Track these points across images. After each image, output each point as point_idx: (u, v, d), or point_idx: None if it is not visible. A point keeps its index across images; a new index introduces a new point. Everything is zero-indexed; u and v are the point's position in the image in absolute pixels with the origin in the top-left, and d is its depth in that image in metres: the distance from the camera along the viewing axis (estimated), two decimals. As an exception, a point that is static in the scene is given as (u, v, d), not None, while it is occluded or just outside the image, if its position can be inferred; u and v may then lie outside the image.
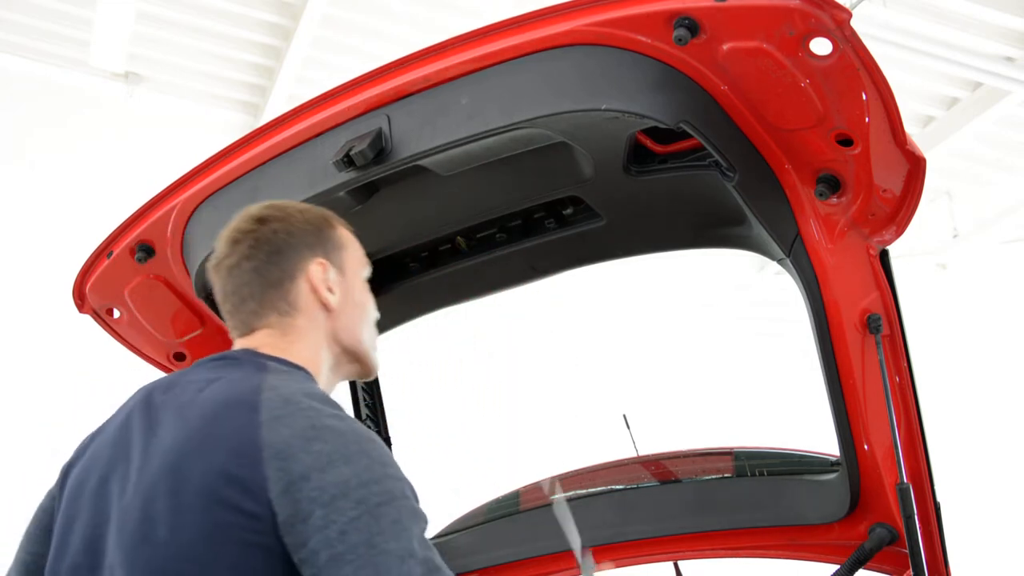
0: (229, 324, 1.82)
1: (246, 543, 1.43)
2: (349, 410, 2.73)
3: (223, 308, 1.82)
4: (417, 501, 1.50)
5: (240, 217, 1.84)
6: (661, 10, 1.94)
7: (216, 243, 1.85)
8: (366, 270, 1.92)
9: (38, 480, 2.27)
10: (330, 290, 1.79)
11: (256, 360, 1.68)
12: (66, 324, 3.53)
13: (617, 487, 3.05)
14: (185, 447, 1.53)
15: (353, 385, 2.78)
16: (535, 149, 2.21)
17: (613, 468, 3.11)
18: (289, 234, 1.79)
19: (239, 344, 1.78)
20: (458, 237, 2.66)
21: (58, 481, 1.77)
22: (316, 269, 1.78)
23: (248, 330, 1.78)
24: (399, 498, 1.45)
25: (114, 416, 1.75)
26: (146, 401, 1.68)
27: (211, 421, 1.54)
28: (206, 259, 2.46)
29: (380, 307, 2.80)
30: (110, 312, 2.79)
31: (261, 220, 1.81)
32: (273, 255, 1.77)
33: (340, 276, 1.82)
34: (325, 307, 1.78)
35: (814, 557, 2.76)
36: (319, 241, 1.82)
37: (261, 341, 1.75)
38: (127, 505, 1.56)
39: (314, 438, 1.46)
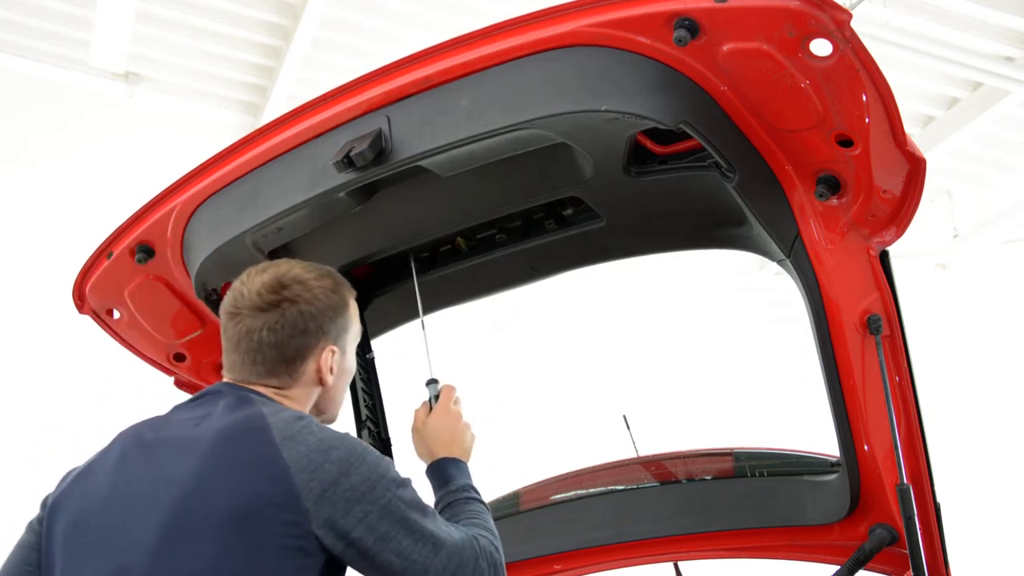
0: (228, 363, 1.93)
1: (284, 547, 1.67)
2: (349, 410, 2.73)
3: (228, 349, 1.93)
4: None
5: (264, 283, 1.93)
6: (661, 11, 1.94)
7: (235, 293, 1.93)
8: (357, 341, 2.05)
9: (38, 481, 2.27)
10: (331, 370, 1.94)
11: (239, 393, 1.86)
12: (66, 325, 3.53)
13: (617, 488, 3.05)
14: (202, 473, 1.71)
15: (353, 386, 2.78)
16: (535, 150, 2.21)
17: (613, 469, 3.11)
18: (313, 318, 1.92)
19: (226, 379, 1.93)
20: (458, 238, 2.66)
21: (41, 515, 1.86)
22: (327, 356, 1.94)
23: (245, 380, 1.91)
24: (400, 477, 1.78)
25: (103, 455, 1.85)
26: (138, 441, 1.83)
27: (226, 447, 1.74)
28: (206, 259, 2.47)
29: (380, 308, 2.83)
30: (110, 313, 2.79)
31: (288, 297, 1.91)
32: (295, 336, 1.91)
33: (342, 356, 1.98)
34: (322, 384, 1.95)
35: (814, 558, 2.76)
36: (335, 327, 1.96)
37: (246, 382, 1.91)
38: (145, 532, 1.69)
39: (328, 449, 1.72)
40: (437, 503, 2.02)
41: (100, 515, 1.76)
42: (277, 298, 1.91)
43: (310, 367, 1.92)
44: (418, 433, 2.17)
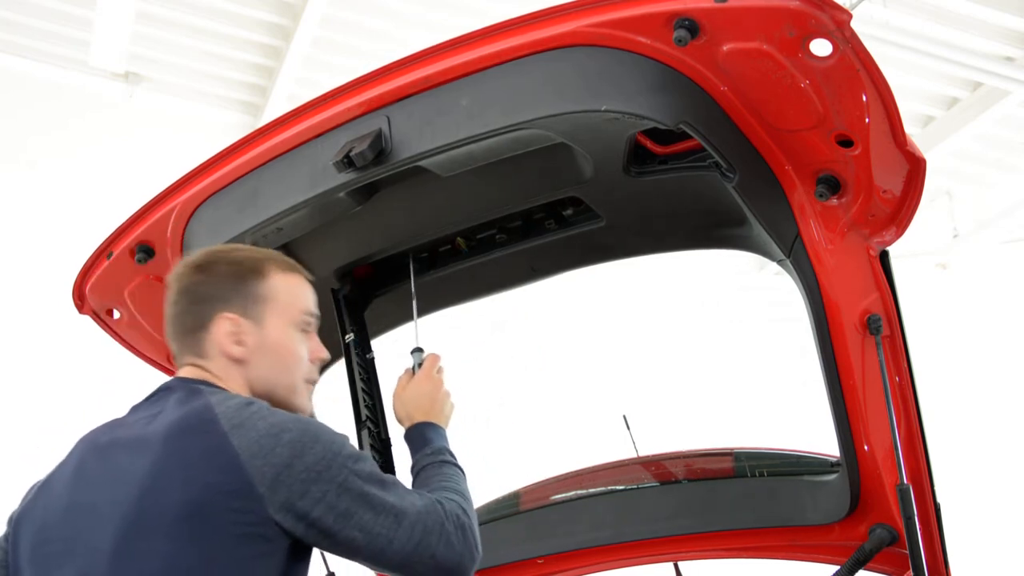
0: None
1: (240, 535, 1.66)
2: (350, 410, 2.73)
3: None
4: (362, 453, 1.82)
5: (181, 261, 1.99)
6: (661, 11, 1.94)
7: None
8: (301, 320, 1.97)
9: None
10: (239, 343, 1.89)
11: (189, 385, 1.85)
12: (66, 325, 3.53)
13: (617, 488, 3.05)
14: (155, 470, 1.71)
15: (353, 386, 2.78)
16: (535, 150, 2.21)
17: (613, 469, 3.11)
18: (207, 286, 1.91)
19: (177, 373, 1.95)
20: (458, 238, 2.66)
21: (7, 532, 1.86)
22: (223, 323, 1.89)
23: (179, 362, 1.94)
24: (356, 452, 1.77)
25: (63, 465, 1.86)
26: (94, 446, 1.83)
27: (175, 442, 1.72)
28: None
29: (380, 308, 2.83)
30: (110, 313, 2.79)
31: (194, 268, 1.94)
32: (191, 305, 1.92)
33: (256, 327, 1.91)
34: (231, 358, 1.89)
35: (814, 558, 2.76)
36: (236, 295, 1.91)
37: (190, 373, 1.91)
38: (105, 535, 1.69)
39: (279, 433, 1.71)
40: (413, 467, 2.03)
41: (61, 525, 1.76)
42: (181, 272, 1.94)
43: (211, 338, 1.89)
44: (399, 399, 2.18)
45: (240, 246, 2.04)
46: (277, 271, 1.96)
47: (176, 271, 1.96)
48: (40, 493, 1.85)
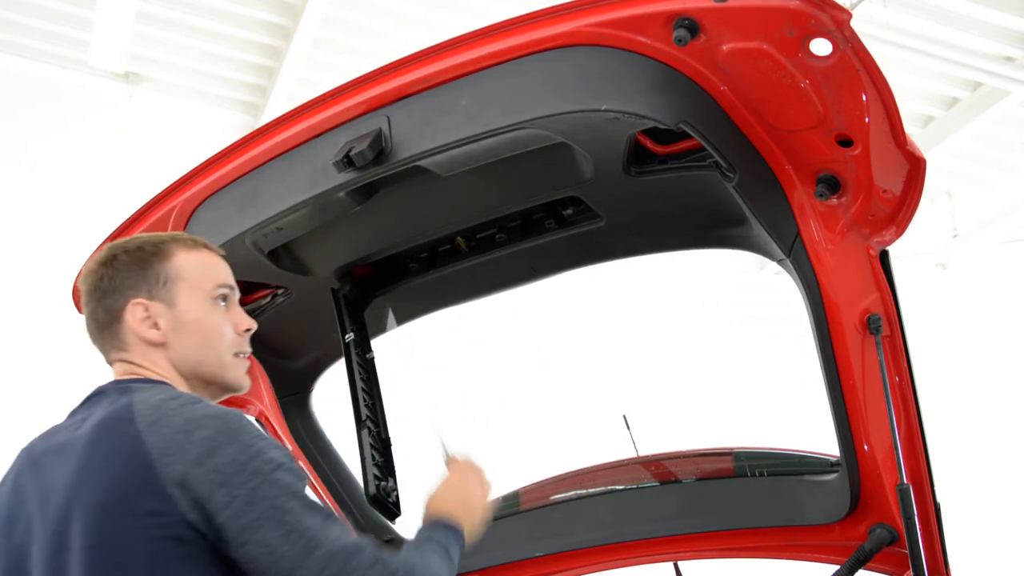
0: None
1: (156, 538, 1.57)
2: (349, 410, 2.73)
3: None
4: (295, 462, 1.67)
5: (87, 260, 1.97)
6: (661, 11, 1.94)
7: None
8: (216, 293, 1.93)
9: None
10: (154, 326, 1.86)
11: (120, 386, 1.81)
12: (66, 325, 3.53)
13: (617, 487, 3.04)
14: (77, 476, 1.66)
15: (353, 386, 2.78)
16: (535, 150, 2.21)
17: (613, 468, 3.11)
18: (112, 279, 1.89)
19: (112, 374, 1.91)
20: (458, 238, 2.66)
21: None
22: (134, 310, 1.86)
23: (109, 362, 1.91)
24: (285, 463, 1.63)
25: (5, 479, 1.83)
26: (29, 455, 1.80)
27: (94, 445, 1.68)
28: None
29: (380, 308, 2.82)
30: (110, 312, 2.78)
31: (98, 264, 1.92)
32: (102, 300, 1.89)
33: (169, 309, 1.88)
34: (151, 343, 1.86)
35: (814, 557, 2.75)
36: (142, 280, 1.88)
37: (121, 370, 1.88)
38: (37, 549, 1.66)
39: (193, 429, 1.62)
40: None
41: (2, 539, 1.74)
42: (90, 270, 1.92)
43: (126, 328, 1.86)
44: (431, 497, 1.91)
45: (141, 234, 1.99)
46: (181, 249, 1.92)
47: (83, 271, 1.94)
48: None
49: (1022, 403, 9.79)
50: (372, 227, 2.57)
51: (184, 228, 2.51)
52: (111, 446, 1.65)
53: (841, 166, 2.09)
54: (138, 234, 2.02)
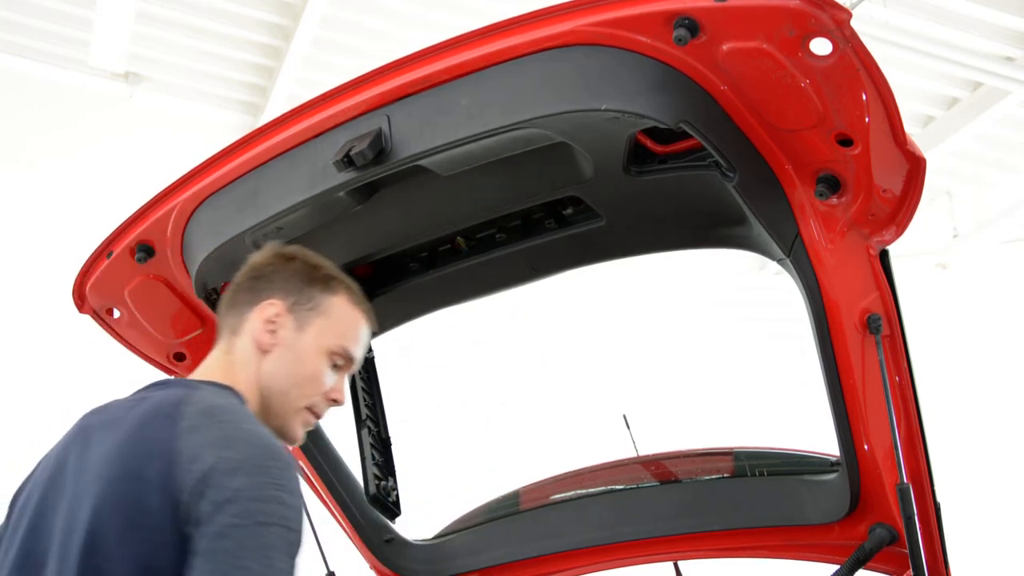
0: None
1: (154, 541, 1.57)
2: (349, 410, 2.73)
3: None
4: (300, 531, 1.60)
5: (269, 246, 2.04)
6: (661, 10, 1.94)
7: None
8: (338, 349, 1.94)
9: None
10: (273, 332, 1.88)
11: (186, 382, 1.85)
12: (66, 324, 3.53)
13: (617, 487, 3.04)
14: (111, 456, 1.67)
15: (353, 385, 2.78)
16: (535, 149, 2.21)
17: (613, 468, 3.11)
18: (277, 271, 1.94)
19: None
20: (458, 237, 2.66)
21: (7, 511, 1.86)
22: (268, 308, 1.90)
23: (216, 342, 1.95)
24: (280, 524, 1.56)
25: (58, 443, 1.86)
26: (82, 424, 1.82)
27: (136, 431, 1.68)
28: (206, 259, 2.47)
29: (380, 308, 2.82)
30: (110, 312, 2.79)
31: (274, 255, 1.98)
32: (253, 282, 1.96)
33: (295, 329, 1.90)
34: (259, 344, 1.89)
35: (814, 557, 2.76)
36: (296, 291, 1.92)
37: (212, 359, 1.93)
38: (64, 516, 1.67)
39: (225, 447, 1.60)
40: None
41: (34, 502, 1.75)
42: (260, 257, 1.99)
43: (253, 318, 1.90)
44: None
45: (327, 260, 2.04)
46: (345, 295, 1.97)
47: (260, 252, 2.01)
48: (36, 468, 1.87)
49: (1022, 403, 9.79)
50: (372, 227, 2.57)
51: (184, 228, 2.51)
52: (147, 438, 1.66)
53: (841, 166, 2.09)
54: (326, 260, 2.04)
